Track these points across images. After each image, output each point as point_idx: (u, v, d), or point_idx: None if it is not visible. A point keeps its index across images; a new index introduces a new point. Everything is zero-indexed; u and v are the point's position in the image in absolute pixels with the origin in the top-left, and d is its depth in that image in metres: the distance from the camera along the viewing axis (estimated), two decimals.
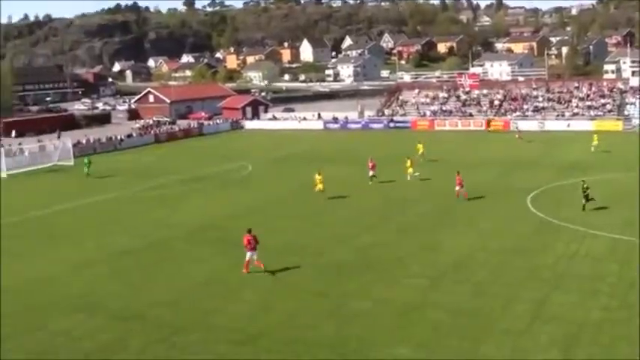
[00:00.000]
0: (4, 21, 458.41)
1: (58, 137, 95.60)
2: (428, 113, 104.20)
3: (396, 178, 56.68)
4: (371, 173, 54.78)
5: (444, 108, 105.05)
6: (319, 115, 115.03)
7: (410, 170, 55.85)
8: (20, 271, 35.19)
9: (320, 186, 49.44)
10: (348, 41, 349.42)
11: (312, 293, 29.66)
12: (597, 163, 61.12)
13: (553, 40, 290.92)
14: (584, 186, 42.42)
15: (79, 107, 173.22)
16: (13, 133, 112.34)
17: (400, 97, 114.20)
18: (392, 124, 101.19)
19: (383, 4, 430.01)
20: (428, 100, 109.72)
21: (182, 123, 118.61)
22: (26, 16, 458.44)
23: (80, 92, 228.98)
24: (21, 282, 33.30)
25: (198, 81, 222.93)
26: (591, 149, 67.44)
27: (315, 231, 40.81)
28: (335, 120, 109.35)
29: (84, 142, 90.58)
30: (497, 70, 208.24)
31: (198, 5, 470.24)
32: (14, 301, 30.44)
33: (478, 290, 28.96)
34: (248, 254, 32.70)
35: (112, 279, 33.21)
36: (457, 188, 47.60)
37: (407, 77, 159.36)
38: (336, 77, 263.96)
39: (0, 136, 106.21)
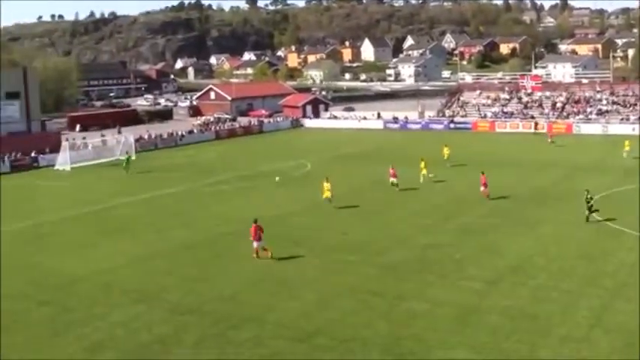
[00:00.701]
0: (71, 18, 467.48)
1: (119, 132, 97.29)
2: (489, 115, 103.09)
3: (454, 179, 56.30)
4: (393, 180, 52.57)
5: (505, 110, 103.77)
6: (379, 114, 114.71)
7: (424, 172, 55.60)
8: (83, 263, 35.97)
9: (327, 194, 46.95)
10: (409, 41, 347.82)
11: (368, 292, 29.62)
12: None
13: (619, 42, 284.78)
14: (588, 196, 40.92)
15: (141, 103, 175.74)
16: (78, 127, 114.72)
17: (461, 98, 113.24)
18: (452, 125, 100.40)
19: (445, 4, 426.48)
20: (489, 102, 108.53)
21: (242, 120, 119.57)
22: (92, 14, 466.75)
23: (143, 88, 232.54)
24: (84, 273, 34.03)
25: (260, 79, 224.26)
26: (623, 155, 65.91)
27: (372, 230, 40.72)
28: (395, 120, 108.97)
29: (146, 137, 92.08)
30: (561, 72, 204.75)
31: (260, 3, 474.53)
32: (77, 292, 31.16)
33: (537, 295, 28.56)
34: (254, 244, 35.09)
35: (170, 273, 33.69)
36: (482, 189, 48.15)
37: (468, 78, 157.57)
38: (397, 77, 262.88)
39: (65, 130, 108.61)
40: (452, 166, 62.80)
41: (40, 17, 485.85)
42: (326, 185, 47.22)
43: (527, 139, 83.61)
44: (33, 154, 77.70)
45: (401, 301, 28.26)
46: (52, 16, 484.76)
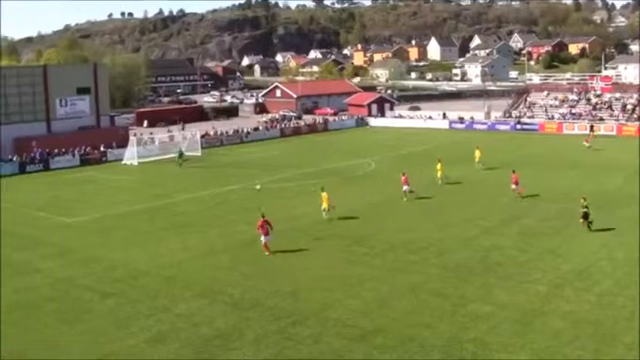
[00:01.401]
0: (141, 15, 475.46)
1: (182, 129, 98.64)
2: (556, 116, 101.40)
3: (521, 180, 55.66)
4: (405, 188, 49.81)
5: (573, 111, 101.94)
6: (444, 114, 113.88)
7: (439, 173, 55.46)
8: (147, 257, 36.65)
9: (325, 205, 43.46)
10: (476, 40, 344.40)
11: (430, 293, 29.48)
12: None
13: None
14: (584, 204, 39.40)
15: (208, 100, 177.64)
16: (145, 122, 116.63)
17: (528, 99, 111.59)
18: (519, 127, 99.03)
19: (513, 3, 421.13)
20: (557, 103, 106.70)
21: (308, 118, 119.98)
22: (161, 11, 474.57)
23: (209, 85, 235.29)
24: (148, 267, 34.66)
25: (325, 77, 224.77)
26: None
27: (435, 230, 40.46)
28: (461, 120, 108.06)
29: (211, 133, 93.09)
30: (632, 73, 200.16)
31: (327, 2, 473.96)
32: (141, 285, 31.76)
33: (602, 301, 28.01)
34: (262, 238, 35.97)
35: (232, 268, 34.04)
36: (513, 187, 48.81)
37: (536, 79, 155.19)
38: (463, 77, 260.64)
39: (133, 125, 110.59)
40: (485, 169, 61.91)
41: (111, 15, 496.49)
42: (323, 195, 43.71)
43: (597, 141, 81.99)
44: (102, 149, 79.35)
45: (463, 303, 28.03)
46: (122, 13, 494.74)
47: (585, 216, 39.19)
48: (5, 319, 27.99)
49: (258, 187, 53.95)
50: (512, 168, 51.98)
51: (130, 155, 74.90)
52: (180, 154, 72.06)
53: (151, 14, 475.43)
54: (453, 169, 60.03)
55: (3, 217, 48.37)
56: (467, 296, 28.82)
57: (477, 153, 63.85)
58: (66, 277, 33.42)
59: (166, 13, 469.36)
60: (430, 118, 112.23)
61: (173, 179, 63.38)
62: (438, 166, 55.80)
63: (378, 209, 47.08)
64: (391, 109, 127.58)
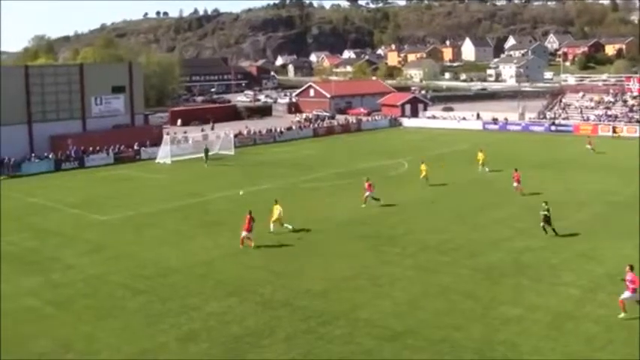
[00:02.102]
0: (176, 15, 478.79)
1: (212, 128, 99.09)
2: (592, 118, 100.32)
3: (549, 182, 55.18)
4: (367, 194, 48.27)
5: (609, 113, 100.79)
6: (478, 115, 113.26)
7: (423, 174, 55.92)
8: (179, 255, 36.89)
9: (276, 217, 40.94)
10: (511, 41, 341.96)
11: (461, 294, 29.31)
12: None
13: None
14: (545, 207, 38.85)
15: (241, 99, 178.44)
16: (179, 121, 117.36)
17: (563, 100, 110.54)
18: (553, 128, 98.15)
19: (549, 3, 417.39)
20: (592, 104, 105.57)
21: (341, 118, 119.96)
22: (196, 11, 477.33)
23: (243, 84, 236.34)
24: (180, 265, 34.88)
25: (359, 77, 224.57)
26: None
27: (468, 232, 40.23)
28: (494, 121, 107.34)
29: (245, 133, 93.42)
30: None
31: (361, 1, 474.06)
32: (173, 283, 31.96)
33: (636, 306, 27.58)
34: (243, 233, 37.52)
35: (263, 267, 34.12)
36: (515, 184, 50.40)
37: (571, 80, 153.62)
38: (498, 77, 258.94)
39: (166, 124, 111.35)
40: (490, 171, 61.25)
41: (146, 14, 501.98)
42: (276, 207, 41.33)
43: (625, 144, 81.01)
44: (136, 147, 80.00)
45: (494, 305, 27.82)
46: (158, 13, 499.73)
47: (547, 220, 38.79)
48: (43, 313, 28.38)
49: (241, 192, 53.78)
50: (515, 167, 52.97)
51: (164, 154, 75.42)
52: (206, 152, 72.57)
53: (186, 13, 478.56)
54: (485, 171, 59.91)
55: (37, 213, 49.07)
56: (498, 298, 28.62)
57: (480, 155, 63.05)
58: (99, 273, 33.75)
59: (201, 13, 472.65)
60: (464, 118, 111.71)
61: (206, 178, 63.67)
62: (422, 167, 56.22)
63: (411, 209, 46.95)
64: (425, 109, 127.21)
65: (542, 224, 38.85)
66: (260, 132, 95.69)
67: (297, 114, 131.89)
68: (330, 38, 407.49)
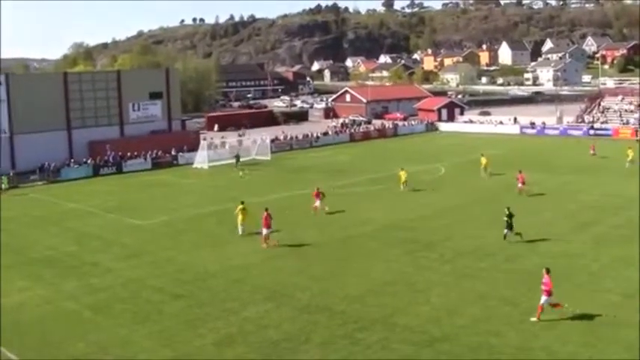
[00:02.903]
0: (212, 21, 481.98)
1: (242, 134, 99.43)
2: (631, 121, 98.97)
3: (590, 187, 54.55)
4: (317, 204, 48.20)
5: None
6: (515, 119, 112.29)
7: (403, 182, 56.35)
8: (217, 259, 37.05)
9: (241, 219, 41.95)
10: (548, 44, 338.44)
11: (499, 300, 29.05)
12: None
13: None
14: (507, 213, 38.90)
15: (278, 104, 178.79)
16: (216, 127, 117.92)
17: (602, 104, 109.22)
18: (592, 132, 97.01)
19: (587, 5, 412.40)
20: (632, 108, 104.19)
21: (377, 123, 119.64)
22: (232, 17, 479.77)
23: (280, 90, 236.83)
24: (217, 269, 35.03)
25: (395, 82, 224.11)
26: (626, 165, 64.21)
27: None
28: (532, 125, 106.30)
29: (281, 138, 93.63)
30: None
31: (396, 6, 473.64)
32: (215, 287, 32.12)
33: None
34: (264, 231, 38.74)
35: (300, 272, 34.14)
36: (519, 185, 52.30)
37: (610, 83, 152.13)
38: (535, 81, 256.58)
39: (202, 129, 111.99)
40: (492, 175, 61.50)
41: (183, 21, 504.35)
42: (239, 207, 42.47)
43: None
44: (173, 152, 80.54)
45: (532, 311, 27.45)
46: (194, 19, 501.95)
47: (509, 226, 38.64)
48: (81, 317, 28.67)
49: (240, 174, 53.64)
50: (519, 169, 54.72)
51: (201, 159, 75.84)
52: (237, 159, 72.82)
53: (222, 20, 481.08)
54: (529, 175, 59.32)
55: (76, 217, 49.65)
56: (536, 304, 28.21)
57: (483, 160, 63.20)
58: (137, 277, 34.03)
59: (237, 19, 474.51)
60: (501, 123, 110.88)
61: (243, 183, 63.89)
62: (402, 173, 56.68)
63: (448, 215, 46.68)
64: (461, 113, 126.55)
65: (504, 231, 38.76)
66: (296, 137, 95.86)
67: (334, 119, 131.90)
68: (366, 43, 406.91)
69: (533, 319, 26.61)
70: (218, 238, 42.28)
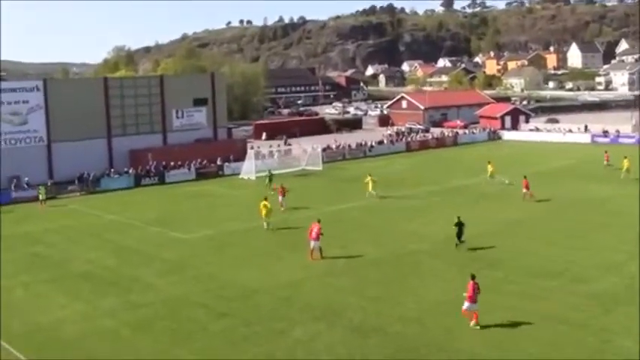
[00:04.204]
0: (260, 23, 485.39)
1: (285, 143, 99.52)
2: None
3: None
4: (280, 199, 54.50)
5: None
6: (586, 127, 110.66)
7: (370, 188, 59.35)
8: (264, 276, 37.06)
9: (264, 214, 47.93)
10: (623, 45, 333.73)
11: (570, 324, 28.44)
12: None
13: None
14: (456, 221, 41.31)
15: (329, 111, 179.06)
16: (264, 135, 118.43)
17: None
18: None
19: None
20: None
21: (436, 131, 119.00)
22: (281, 19, 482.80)
23: (332, 96, 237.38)
24: (264, 286, 35.00)
25: (455, 87, 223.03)
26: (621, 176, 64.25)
27: (576, 254, 39.17)
28: (605, 133, 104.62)
29: (333, 147, 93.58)
30: None
31: (456, 6, 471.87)
32: (262, 305, 32.12)
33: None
34: (312, 243, 39.50)
35: (353, 290, 33.93)
36: (524, 191, 55.73)
37: None
38: (608, 86, 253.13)
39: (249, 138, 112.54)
40: (509, 183, 62.68)
41: (229, 23, 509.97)
42: (262, 203, 48.57)
43: None
44: (218, 162, 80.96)
45: (608, 336, 26.88)
46: (241, 21, 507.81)
47: (458, 235, 41.16)
48: (119, 335, 28.84)
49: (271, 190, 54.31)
50: (524, 174, 57.55)
51: (248, 169, 76.04)
52: (270, 177, 68.16)
53: (270, 22, 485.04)
54: (595, 188, 58.54)
55: (116, 230, 50.15)
56: (611, 328, 27.65)
57: (489, 167, 65.23)
58: (179, 294, 34.17)
59: (287, 21, 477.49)
60: (570, 131, 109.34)
61: (292, 195, 63.76)
62: (368, 179, 60.44)
63: (513, 230, 46.07)
64: (526, 121, 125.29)
65: (456, 240, 41.26)
66: (349, 146, 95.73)
67: (389, 127, 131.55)
68: (423, 46, 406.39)
69: (472, 323, 28.20)
70: (265, 253, 42.29)
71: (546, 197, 56.94)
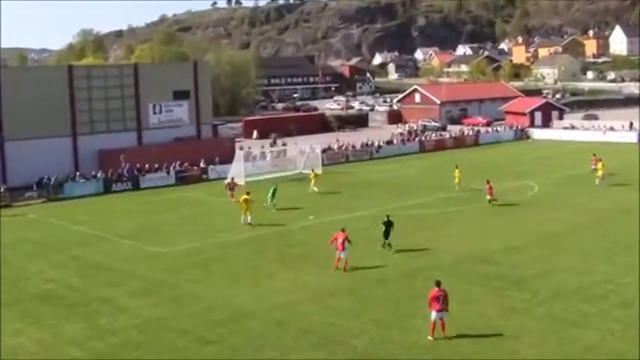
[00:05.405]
0: (251, 4, 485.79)
1: (273, 143, 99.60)
2: None
3: None
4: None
5: None
6: (632, 124, 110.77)
7: (312, 184, 67.02)
8: (254, 296, 37.08)
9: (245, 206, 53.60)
10: None
11: (611, 355, 28.37)
12: None
13: None
14: (385, 221, 44.65)
15: (331, 106, 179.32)
16: (255, 134, 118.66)
17: None
18: None
19: None
20: None
21: (454, 129, 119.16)
22: None
23: (333, 88, 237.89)
24: (255, 308, 35.02)
25: (476, 78, 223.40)
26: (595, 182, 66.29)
27: (620, 274, 39.08)
28: None
29: (335, 147, 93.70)
30: None
31: None
32: (246, 330, 32.13)
33: None
34: (338, 253, 40.91)
35: (357, 313, 33.97)
36: (488, 197, 58.97)
37: None
38: None
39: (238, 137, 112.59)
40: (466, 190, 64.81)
41: (215, 3, 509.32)
42: (244, 197, 54.39)
43: None
44: (202, 164, 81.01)
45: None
46: (229, 1, 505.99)
47: (385, 235, 44.27)
48: None
49: (311, 217, 54.25)
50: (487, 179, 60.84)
51: (236, 172, 75.98)
52: (274, 193, 62.94)
53: (263, 2, 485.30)
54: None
55: (83, 244, 50.18)
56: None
57: (457, 173, 66.99)
58: (156, 317, 34.18)
59: (281, 1, 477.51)
60: (611, 129, 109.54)
61: (287, 202, 63.87)
62: (311, 175, 68.64)
63: (543, 244, 46.13)
64: (560, 117, 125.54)
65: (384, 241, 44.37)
66: (354, 146, 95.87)
67: (400, 124, 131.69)
68: (440, 30, 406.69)
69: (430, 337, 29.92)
70: (257, 269, 42.32)
71: (584, 207, 57.04)
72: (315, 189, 66.20)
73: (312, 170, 68.31)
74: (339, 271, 40.83)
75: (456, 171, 67.23)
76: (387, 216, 45.41)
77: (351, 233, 48.78)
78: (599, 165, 67.74)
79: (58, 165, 74.91)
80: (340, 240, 40.77)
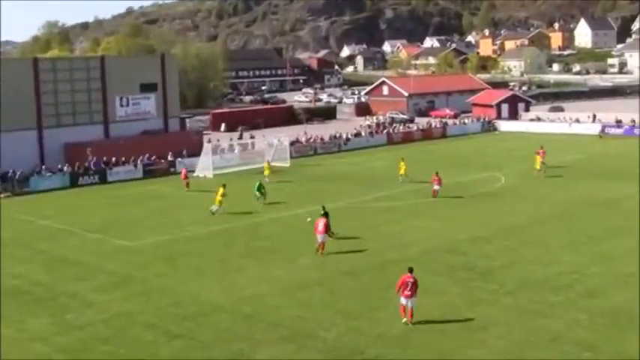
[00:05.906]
0: None
1: (240, 137, 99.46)
2: None
3: None
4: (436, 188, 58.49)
5: None
6: (595, 116, 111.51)
7: (266, 175, 68.48)
8: (223, 290, 36.99)
9: (218, 199, 54.88)
10: None
11: (577, 345, 28.60)
12: None
13: None
14: (322, 212, 45.08)
15: (299, 99, 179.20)
16: (223, 126, 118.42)
17: None
18: None
19: None
20: None
21: (421, 121, 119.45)
22: None
23: (301, 81, 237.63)
24: (223, 302, 34.96)
25: (444, 70, 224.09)
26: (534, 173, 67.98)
27: (586, 264, 39.43)
28: (618, 124, 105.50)
29: (303, 140, 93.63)
30: None
31: None
32: (215, 324, 32.07)
33: None
34: (319, 237, 42.13)
35: (327, 305, 33.99)
36: (435, 187, 58.86)
37: None
38: (622, 68, 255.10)
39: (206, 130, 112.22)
40: (408, 182, 65.46)
41: None
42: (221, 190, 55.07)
43: None
44: (170, 157, 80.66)
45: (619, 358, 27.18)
46: None
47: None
48: None
49: (309, 219, 54.05)
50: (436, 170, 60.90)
51: (204, 166, 75.84)
52: (260, 188, 61.63)
53: None
54: (608, 187, 59.05)
55: (49, 238, 49.85)
56: (626, 351, 27.86)
57: (402, 165, 67.34)
58: (124, 312, 34.01)
59: None
60: (577, 121, 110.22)
61: (252, 196, 63.89)
62: (265, 169, 70.21)
63: (510, 235, 46.36)
64: (527, 110, 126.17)
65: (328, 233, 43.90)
66: (322, 139, 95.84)
67: (368, 117, 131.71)
68: (408, 23, 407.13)
69: (403, 320, 30.85)
70: (225, 263, 42.25)
71: (550, 198, 57.38)
72: (267, 180, 66.95)
73: (268, 162, 71.04)
74: (308, 263, 40.84)
75: (402, 163, 67.70)
76: (323, 207, 46.56)
77: None
78: (538, 157, 68.63)
79: (23, 158, 74.14)
80: (322, 223, 42.08)
